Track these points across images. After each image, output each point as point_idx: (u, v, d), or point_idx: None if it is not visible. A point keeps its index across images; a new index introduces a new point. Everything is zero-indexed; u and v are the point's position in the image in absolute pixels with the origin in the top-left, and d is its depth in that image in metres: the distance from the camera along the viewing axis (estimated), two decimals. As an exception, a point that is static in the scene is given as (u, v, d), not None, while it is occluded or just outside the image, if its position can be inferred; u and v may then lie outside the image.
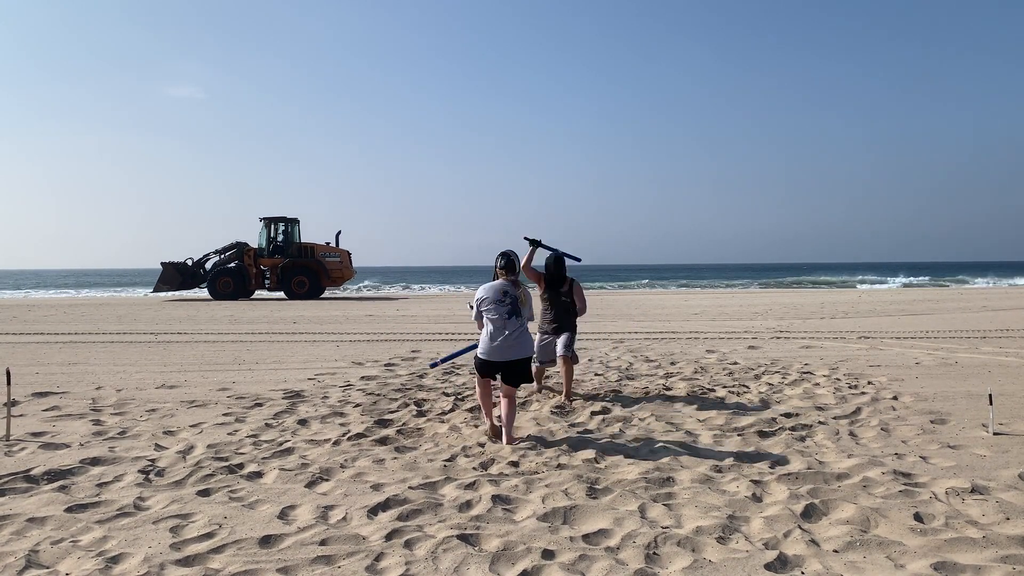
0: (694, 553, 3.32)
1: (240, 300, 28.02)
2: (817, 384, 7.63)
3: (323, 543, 3.45)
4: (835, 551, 3.32)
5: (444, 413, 6.35)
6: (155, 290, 29.79)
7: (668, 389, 7.42)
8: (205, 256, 29.68)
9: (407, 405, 6.67)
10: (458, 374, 8.51)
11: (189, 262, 29.44)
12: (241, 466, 4.72)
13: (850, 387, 7.41)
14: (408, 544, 3.43)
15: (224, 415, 6.30)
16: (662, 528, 3.61)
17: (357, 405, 6.69)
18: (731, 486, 4.25)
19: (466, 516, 3.81)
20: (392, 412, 6.41)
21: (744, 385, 7.61)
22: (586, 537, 3.51)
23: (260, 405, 6.74)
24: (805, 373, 8.35)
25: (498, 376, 5.44)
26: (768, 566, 3.16)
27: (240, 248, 29.36)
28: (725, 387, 7.50)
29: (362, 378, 8.32)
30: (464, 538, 3.48)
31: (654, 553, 3.32)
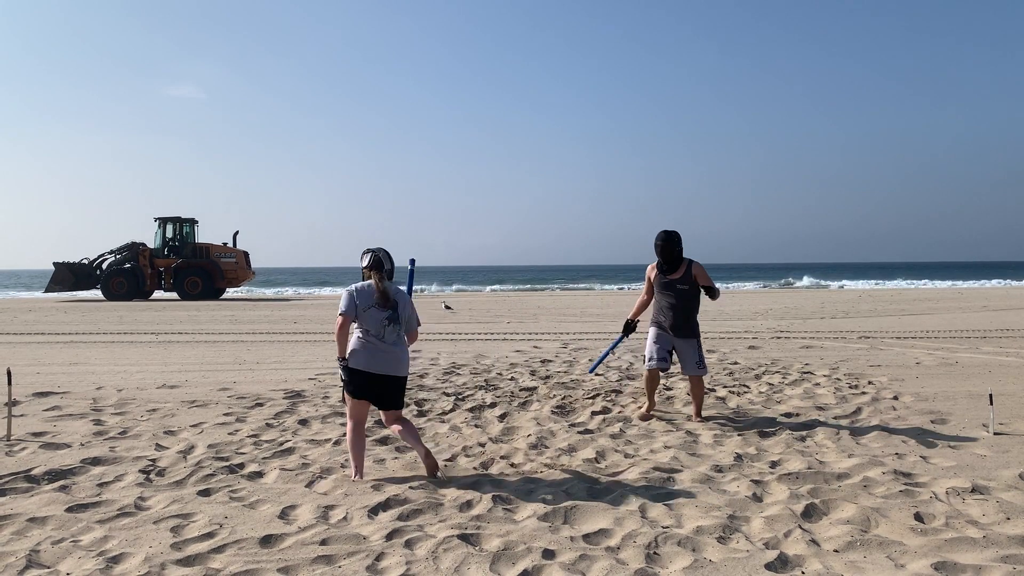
0: (694, 553, 3.32)
1: (135, 300, 27.52)
2: (817, 384, 7.63)
3: (324, 543, 3.45)
4: (835, 551, 3.32)
5: (444, 413, 6.35)
6: (47, 290, 29.22)
7: (668, 389, 7.41)
8: (101, 256, 29.27)
9: (407, 405, 6.67)
10: (458, 374, 8.51)
11: (85, 262, 29.05)
12: (242, 466, 4.72)
13: (850, 387, 7.41)
14: (409, 544, 3.44)
15: (225, 415, 6.30)
16: (662, 528, 3.61)
17: (358, 405, 6.69)
18: (731, 486, 4.25)
19: (467, 516, 3.81)
20: (392, 412, 6.41)
21: (744, 385, 7.61)
22: (586, 537, 3.51)
23: (261, 405, 6.74)
24: (805, 373, 8.35)
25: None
26: (768, 566, 3.16)
27: (135, 248, 29.05)
28: (725, 387, 7.50)
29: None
30: (465, 538, 3.48)
31: (655, 553, 3.32)
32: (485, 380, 8.04)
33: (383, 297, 4.47)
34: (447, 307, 22.04)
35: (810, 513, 3.79)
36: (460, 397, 7.05)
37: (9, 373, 5.99)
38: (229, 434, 5.61)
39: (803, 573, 3.11)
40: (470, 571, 3.16)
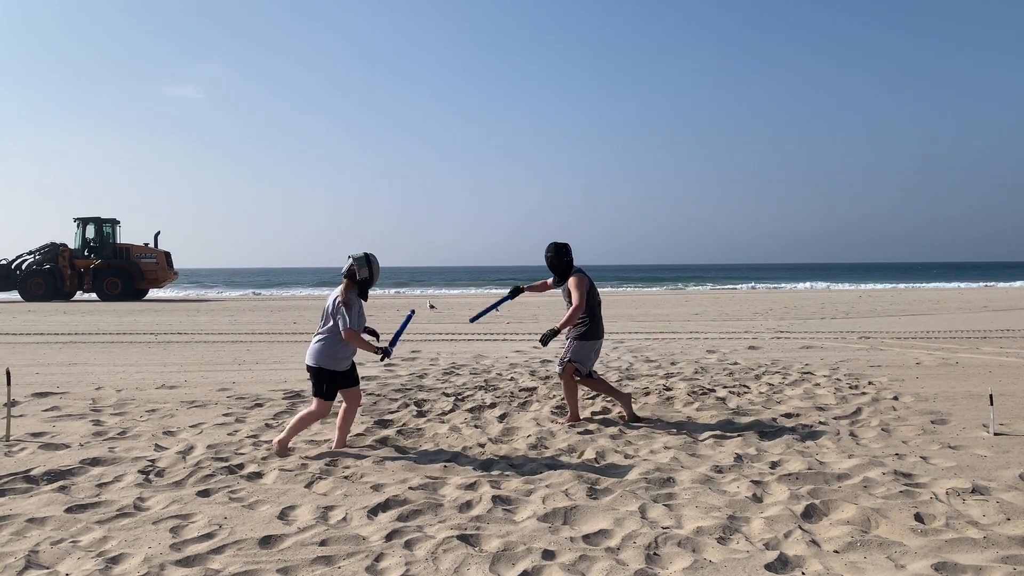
0: (695, 553, 3.31)
1: (55, 302, 27.05)
2: (818, 384, 7.62)
3: (323, 543, 3.45)
4: (836, 551, 3.32)
5: (444, 413, 6.35)
6: None
7: (668, 389, 7.41)
8: (19, 257, 28.80)
9: (407, 405, 6.67)
10: (458, 374, 8.51)
11: (3, 262, 28.51)
12: (241, 466, 4.72)
13: (851, 387, 7.41)
14: (408, 544, 3.43)
15: (224, 415, 6.30)
16: (662, 528, 3.61)
17: (357, 405, 6.69)
18: (731, 486, 4.25)
19: (466, 516, 3.81)
20: (392, 412, 6.41)
21: (744, 385, 7.60)
22: (586, 537, 3.51)
23: (260, 405, 6.74)
24: (806, 373, 8.34)
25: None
26: (769, 566, 3.15)
27: (54, 249, 28.68)
28: (725, 387, 7.50)
29: (362, 378, 8.31)
30: (464, 538, 3.48)
31: (654, 553, 3.32)
32: (485, 380, 8.04)
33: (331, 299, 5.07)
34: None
35: (810, 514, 3.79)
36: (460, 397, 7.04)
37: (8, 373, 5.98)
38: (228, 435, 5.61)
39: (803, 574, 3.11)
40: (470, 572, 3.16)
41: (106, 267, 28.52)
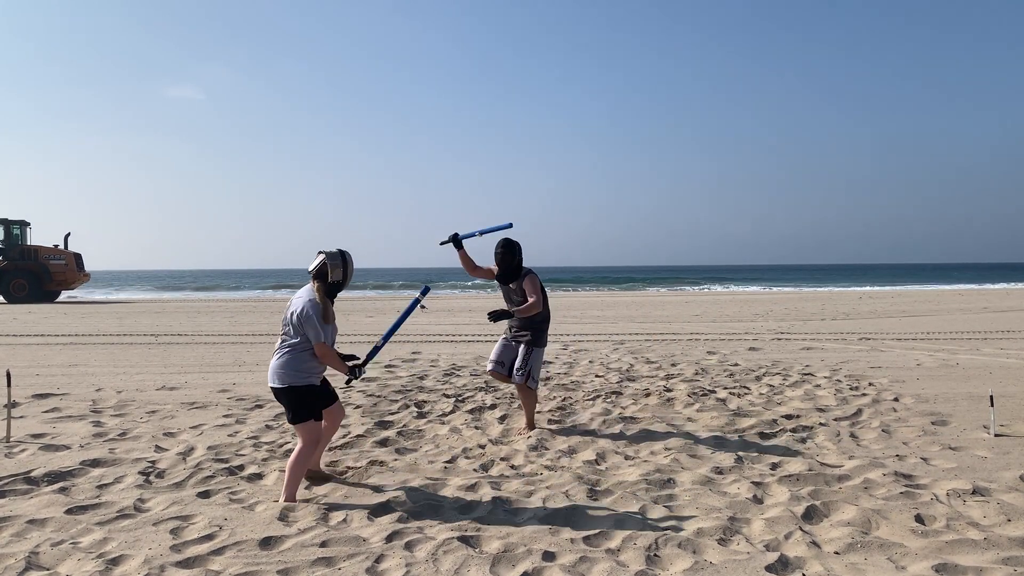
0: (695, 555, 3.31)
1: None
2: (818, 385, 7.62)
3: (324, 545, 3.45)
4: (836, 553, 3.32)
5: (445, 415, 6.35)
6: None
7: (669, 390, 7.41)
8: None
9: (408, 407, 6.67)
10: (458, 375, 8.51)
11: None
12: (241, 467, 4.72)
13: (851, 388, 7.40)
14: (409, 546, 3.43)
15: (224, 416, 6.30)
16: (663, 530, 3.61)
17: (358, 407, 6.69)
18: (732, 488, 4.25)
19: (467, 517, 3.81)
20: (393, 413, 6.41)
21: (745, 386, 7.60)
22: (587, 539, 3.51)
23: (260, 407, 6.74)
24: (806, 375, 8.34)
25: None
26: (769, 568, 3.15)
27: None
28: (726, 388, 7.49)
29: (362, 379, 8.31)
30: (465, 540, 3.48)
31: (655, 555, 3.32)
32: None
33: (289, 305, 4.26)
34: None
35: (811, 515, 3.79)
36: (460, 399, 7.04)
37: (9, 375, 5.98)
38: (229, 436, 5.61)
39: (804, 575, 3.11)
40: (470, 573, 3.16)
41: (12, 268, 28.20)
